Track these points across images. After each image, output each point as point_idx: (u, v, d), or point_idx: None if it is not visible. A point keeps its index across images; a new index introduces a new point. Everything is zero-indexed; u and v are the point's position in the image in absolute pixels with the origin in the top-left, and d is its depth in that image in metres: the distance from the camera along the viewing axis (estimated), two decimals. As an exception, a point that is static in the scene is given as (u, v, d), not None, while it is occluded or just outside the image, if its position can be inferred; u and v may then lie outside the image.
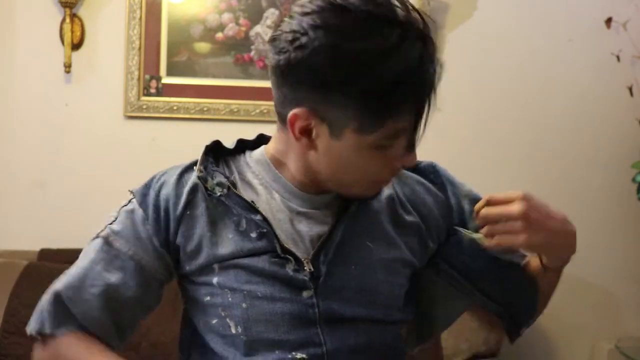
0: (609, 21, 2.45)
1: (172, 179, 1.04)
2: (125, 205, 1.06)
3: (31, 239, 2.38)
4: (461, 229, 1.09)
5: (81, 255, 1.08)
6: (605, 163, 2.57)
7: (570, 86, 2.56)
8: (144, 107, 2.47)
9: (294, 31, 0.90)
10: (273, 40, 0.94)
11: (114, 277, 1.02)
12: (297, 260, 1.00)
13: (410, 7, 0.92)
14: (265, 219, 0.99)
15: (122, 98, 2.47)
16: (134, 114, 2.47)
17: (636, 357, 2.30)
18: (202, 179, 1.01)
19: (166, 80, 2.47)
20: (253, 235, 1.00)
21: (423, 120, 1.01)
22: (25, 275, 2.20)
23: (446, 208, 1.15)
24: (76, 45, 2.45)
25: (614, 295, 2.62)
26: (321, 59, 0.88)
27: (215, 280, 1.01)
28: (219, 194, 1.00)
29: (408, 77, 0.92)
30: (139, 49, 2.45)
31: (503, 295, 1.15)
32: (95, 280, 1.03)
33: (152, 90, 2.47)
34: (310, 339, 0.99)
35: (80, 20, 2.44)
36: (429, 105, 1.02)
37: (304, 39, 0.89)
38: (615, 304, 2.63)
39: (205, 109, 2.46)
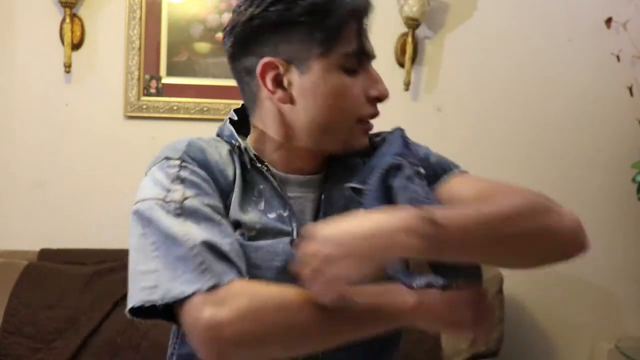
0: (609, 21, 2.45)
1: (211, 144, 1.02)
2: (178, 171, 0.96)
3: (31, 239, 2.39)
4: None
5: (175, 231, 0.91)
6: (605, 163, 2.57)
7: (570, 86, 2.56)
8: (144, 107, 2.47)
9: (237, 7, 1.02)
10: (225, 30, 1.04)
11: (225, 232, 0.94)
12: None
13: None
14: (287, 203, 1.01)
15: (122, 98, 2.47)
16: (134, 114, 2.47)
17: (636, 357, 2.30)
18: (240, 149, 1.02)
19: (166, 80, 2.47)
20: (271, 215, 1.00)
21: (366, 43, 1.07)
22: (25, 275, 2.20)
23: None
24: (76, 45, 2.45)
25: (614, 295, 2.62)
26: (266, 4, 0.97)
27: None
28: (265, 168, 1.02)
29: (335, 9, 0.99)
30: (139, 49, 2.45)
31: None
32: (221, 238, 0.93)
33: (152, 90, 2.47)
34: None
35: (80, 20, 2.44)
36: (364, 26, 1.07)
37: (243, 5, 1.00)
38: (615, 304, 2.63)
39: (205, 109, 2.46)
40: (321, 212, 1.02)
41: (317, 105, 1.01)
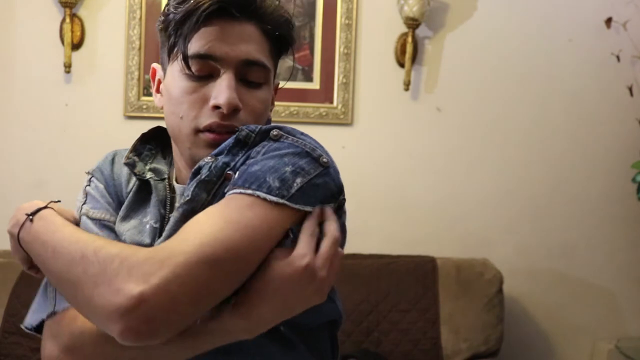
0: (609, 21, 2.45)
1: (121, 159, 1.09)
2: (88, 185, 1.10)
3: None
4: None
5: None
6: (605, 163, 2.57)
7: (570, 86, 2.56)
8: (144, 107, 2.47)
9: None
10: None
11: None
12: None
13: None
14: (166, 217, 0.98)
15: (122, 98, 2.47)
16: (134, 114, 2.47)
17: (636, 357, 2.30)
18: (130, 165, 1.04)
19: (166, 80, 2.47)
20: (147, 226, 0.99)
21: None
22: (25, 275, 2.20)
23: None
24: (76, 45, 2.45)
25: (614, 295, 2.62)
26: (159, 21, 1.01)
27: None
28: (148, 176, 1.03)
29: (178, 13, 0.96)
30: (139, 49, 2.45)
31: None
32: None
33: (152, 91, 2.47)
34: None
35: (80, 20, 2.44)
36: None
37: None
38: (615, 304, 2.63)
39: (205, 109, 2.46)
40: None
41: (167, 111, 1.01)
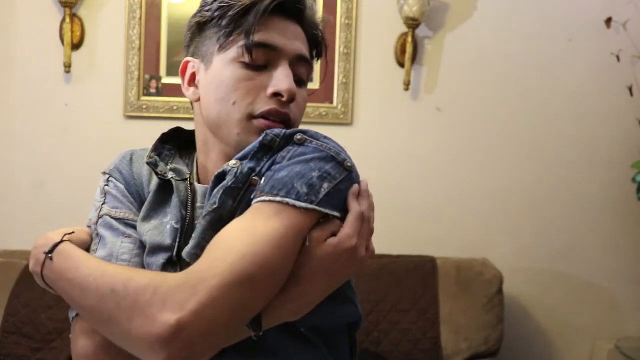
0: (609, 21, 2.45)
1: (141, 157, 1.08)
2: (107, 185, 1.08)
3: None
4: None
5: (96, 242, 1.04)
6: (605, 163, 2.57)
7: (570, 86, 2.56)
8: (144, 107, 2.47)
9: None
10: None
11: (133, 244, 1.02)
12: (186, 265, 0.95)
13: None
14: (186, 217, 0.98)
15: (122, 98, 2.47)
16: (134, 114, 2.47)
17: (636, 357, 2.29)
18: (152, 165, 1.03)
19: (166, 80, 2.47)
20: (167, 227, 0.98)
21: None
22: (25, 275, 2.20)
23: None
24: (76, 45, 2.45)
25: (614, 295, 2.62)
26: (199, 8, 1.04)
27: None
28: (169, 176, 1.01)
29: (234, 6, 0.98)
30: (139, 49, 2.45)
31: None
32: (123, 255, 1.01)
33: (152, 90, 2.47)
34: None
35: (80, 20, 2.44)
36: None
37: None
38: (615, 304, 2.63)
39: (205, 109, 2.46)
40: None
41: (212, 99, 1.00)
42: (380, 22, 2.52)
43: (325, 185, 0.88)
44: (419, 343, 2.23)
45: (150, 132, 2.58)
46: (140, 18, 2.44)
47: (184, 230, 0.97)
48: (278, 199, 0.85)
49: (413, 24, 2.43)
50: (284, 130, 0.94)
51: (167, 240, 0.97)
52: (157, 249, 0.97)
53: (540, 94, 2.56)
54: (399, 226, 2.54)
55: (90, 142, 2.48)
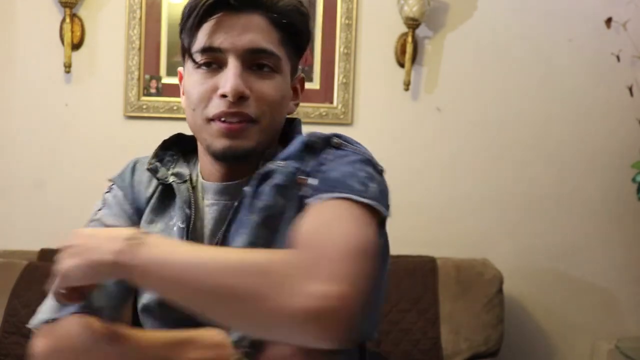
0: (609, 21, 2.45)
1: (144, 165, 1.09)
2: (108, 192, 1.10)
3: (31, 239, 2.39)
4: None
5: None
6: (605, 163, 2.57)
7: (570, 86, 2.56)
8: (144, 107, 2.47)
9: None
10: None
11: None
12: None
13: None
14: (191, 217, 1.00)
15: (122, 98, 2.47)
16: (134, 114, 2.47)
17: (636, 357, 2.29)
18: (152, 171, 1.05)
19: (166, 80, 2.47)
20: (175, 229, 1.01)
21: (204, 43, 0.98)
22: (25, 275, 2.20)
23: None
24: (76, 45, 2.45)
25: (614, 295, 2.62)
26: None
27: None
28: (171, 180, 1.04)
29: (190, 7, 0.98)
30: (139, 49, 2.45)
31: None
32: None
33: (152, 90, 2.47)
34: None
35: (80, 20, 2.44)
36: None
37: None
38: (615, 304, 2.63)
39: (205, 109, 2.46)
40: (228, 220, 0.99)
41: (185, 107, 1.04)
42: (380, 22, 2.52)
43: (373, 185, 0.90)
44: (419, 343, 2.23)
45: (150, 132, 2.60)
46: (140, 18, 2.44)
47: (189, 229, 1.00)
48: (339, 194, 0.87)
49: (413, 24, 2.43)
50: (322, 134, 0.99)
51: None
52: None
53: (540, 94, 2.56)
54: (399, 226, 2.53)
55: (90, 142, 2.48)
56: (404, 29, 2.47)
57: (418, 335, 2.24)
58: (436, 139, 2.56)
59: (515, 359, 2.55)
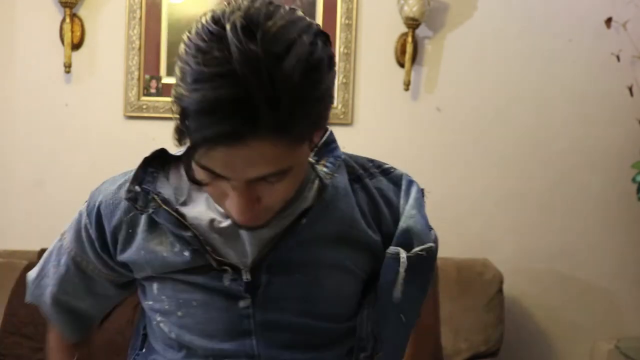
0: (609, 21, 2.45)
1: (113, 186, 1.03)
2: (78, 215, 1.08)
3: (31, 239, 2.38)
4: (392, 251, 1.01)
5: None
6: (605, 163, 2.57)
7: (570, 86, 2.56)
8: (144, 107, 2.47)
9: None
10: None
11: (62, 270, 1.09)
12: (235, 268, 0.96)
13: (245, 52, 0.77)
14: (195, 235, 0.95)
15: (122, 98, 2.47)
16: (134, 114, 2.47)
17: (636, 357, 2.30)
18: (132, 200, 0.97)
19: (166, 80, 2.47)
20: (186, 254, 0.96)
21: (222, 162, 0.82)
22: (25, 275, 2.20)
23: (393, 228, 1.04)
24: (76, 45, 2.45)
25: (614, 295, 2.62)
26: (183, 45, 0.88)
27: (155, 287, 1.02)
28: (151, 210, 0.96)
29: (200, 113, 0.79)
30: (139, 49, 2.45)
31: (383, 321, 1.04)
32: (48, 277, 1.13)
33: (152, 90, 2.47)
34: (244, 349, 0.98)
35: (80, 20, 2.44)
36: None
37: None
38: (615, 304, 2.63)
39: (205, 109, 2.46)
40: (279, 249, 0.96)
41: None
42: (380, 22, 2.52)
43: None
44: (419, 343, 2.23)
45: (150, 132, 2.60)
46: (140, 18, 2.44)
47: (201, 246, 0.95)
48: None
49: (413, 24, 2.43)
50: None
51: (182, 260, 0.97)
52: (194, 271, 0.98)
53: (540, 94, 2.56)
54: (399, 226, 2.53)
55: (90, 142, 2.48)
56: (404, 29, 2.47)
57: (418, 335, 2.24)
58: (436, 139, 2.56)
59: (515, 359, 2.55)
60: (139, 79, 2.46)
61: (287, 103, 0.76)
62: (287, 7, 0.83)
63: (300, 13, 0.84)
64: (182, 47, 0.85)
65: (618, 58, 2.46)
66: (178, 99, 0.81)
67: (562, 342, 2.62)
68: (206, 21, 0.84)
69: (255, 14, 0.79)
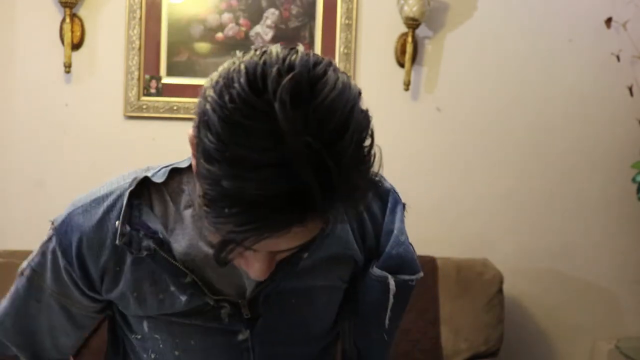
0: (609, 21, 2.45)
1: (92, 221, 0.94)
2: (47, 242, 0.99)
3: (31, 239, 2.37)
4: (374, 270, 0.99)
5: (10, 292, 1.02)
6: (605, 163, 2.57)
7: (570, 86, 2.56)
8: (144, 107, 2.47)
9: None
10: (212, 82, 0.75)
11: (42, 317, 1.00)
12: (233, 303, 0.94)
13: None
14: (194, 280, 0.91)
15: (122, 98, 2.47)
16: (134, 114, 2.47)
17: (636, 357, 2.30)
18: (127, 244, 0.89)
19: (166, 80, 2.47)
20: (182, 297, 0.92)
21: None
22: (25, 275, 2.20)
23: (375, 242, 1.02)
24: (76, 45, 2.45)
25: (614, 295, 2.62)
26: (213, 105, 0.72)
27: (145, 325, 0.97)
28: (145, 253, 0.89)
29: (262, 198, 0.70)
30: (139, 49, 2.45)
31: (365, 339, 1.04)
32: (23, 324, 1.01)
33: (152, 90, 2.47)
34: None
35: (80, 20, 2.44)
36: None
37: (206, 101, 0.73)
38: (615, 304, 2.63)
39: (205, 109, 2.46)
40: (275, 281, 0.93)
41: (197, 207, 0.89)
42: (380, 22, 2.52)
43: None
44: (419, 343, 2.23)
45: (150, 132, 2.61)
46: (140, 18, 2.44)
47: (199, 289, 0.91)
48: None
49: (413, 24, 2.43)
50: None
51: (196, 302, 0.92)
52: (190, 313, 0.93)
53: (540, 94, 2.56)
54: (399, 226, 2.53)
55: (90, 142, 2.48)
56: (404, 29, 2.47)
57: (418, 335, 2.24)
58: (436, 139, 2.56)
59: (515, 359, 2.55)
60: (139, 79, 2.46)
61: (342, 191, 0.70)
62: (323, 61, 0.73)
63: (339, 71, 0.74)
64: (208, 109, 0.70)
65: (618, 58, 2.46)
66: (213, 181, 0.69)
67: (562, 342, 2.62)
68: (243, 89, 0.69)
69: (301, 80, 0.69)
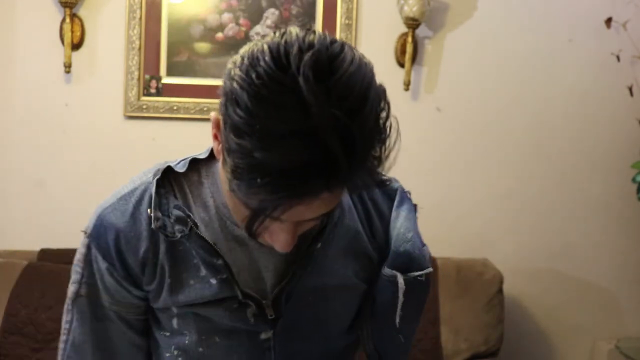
0: (609, 21, 2.45)
1: (125, 216, 0.95)
2: (86, 252, 0.98)
3: (31, 239, 2.39)
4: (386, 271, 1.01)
5: (70, 318, 1.01)
6: (605, 163, 2.57)
7: (570, 86, 2.56)
8: (144, 107, 2.47)
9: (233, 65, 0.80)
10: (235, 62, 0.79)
11: (111, 332, 1.00)
12: (257, 304, 0.96)
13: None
14: (226, 264, 0.93)
15: (122, 98, 2.47)
16: (134, 114, 2.47)
17: (636, 357, 2.30)
18: (162, 228, 0.92)
19: (166, 80, 2.47)
20: (213, 282, 0.94)
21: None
22: (25, 275, 2.20)
23: (384, 240, 1.04)
24: (76, 45, 2.45)
25: (614, 295, 2.62)
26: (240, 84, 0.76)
27: (174, 321, 0.99)
28: (179, 235, 0.93)
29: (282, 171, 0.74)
30: (139, 49, 2.45)
31: (382, 342, 1.06)
32: (101, 347, 1.01)
33: (152, 90, 2.47)
34: None
35: (80, 20, 2.44)
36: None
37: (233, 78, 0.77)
38: (615, 304, 2.63)
39: (205, 109, 2.46)
40: (296, 279, 0.96)
41: (223, 184, 0.93)
42: (380, 22, 2.52)
43: None
44: (419, 343, 2.23)
45: (150, 132, 2.60)
46: (140, 18, 2.44)
47: (230, 274, 0.93)
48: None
49: (413, 24, 2.43)
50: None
51: (225, 293, 0.94)
52: (219, 306, 0.95)
53: (540, 94, 2.56)
54: (399, 226, 2.53)
55: (90, 142, 2.48)
56: (404, 29, 2.47)
57: (418, 335, 2.24)
58: (436, 139, 2.56)
59: (515, 359, 2.55)
60: (139, 79, 2.46)
61: (364, 159, 0.76)
62: (338, 40, 0.80)
63: (354, 49, 0.83)
64: (235, 87, 0.74)
65: (618, 58, 2.46)
66: (244, 154, 0.73)
67: (562, 342, 2.62)
68: (268, 66, 0.74)
69: (320, 56, 0.74)
